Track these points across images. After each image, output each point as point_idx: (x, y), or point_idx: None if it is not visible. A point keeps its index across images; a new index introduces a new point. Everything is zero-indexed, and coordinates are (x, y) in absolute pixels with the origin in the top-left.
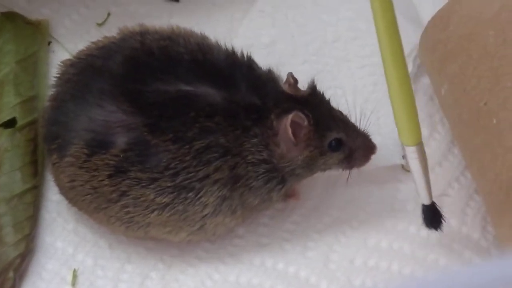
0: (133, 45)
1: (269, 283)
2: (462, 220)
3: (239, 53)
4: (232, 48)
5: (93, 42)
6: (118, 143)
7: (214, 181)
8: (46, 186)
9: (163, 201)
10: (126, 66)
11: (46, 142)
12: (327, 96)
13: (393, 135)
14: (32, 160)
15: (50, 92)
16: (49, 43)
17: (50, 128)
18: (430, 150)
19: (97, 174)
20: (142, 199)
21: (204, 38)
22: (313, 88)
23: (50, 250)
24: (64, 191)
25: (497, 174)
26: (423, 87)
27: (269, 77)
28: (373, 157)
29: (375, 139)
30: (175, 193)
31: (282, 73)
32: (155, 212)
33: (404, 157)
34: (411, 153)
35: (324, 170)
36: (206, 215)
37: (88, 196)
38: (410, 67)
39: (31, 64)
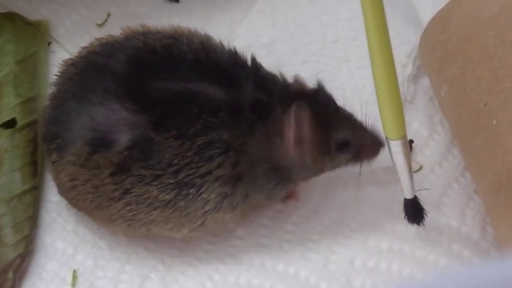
0: (136, 44)
1: (269, 284)
2: (462, 221)
3: (243, 53)
4: (235, 48)
5: (96, 39)
6: (121, 141)
7: (216, 177)
8: (46, 187)
9: (165, 197)
10: (129, 65)
11: (45, 141)
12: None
13: None
14: (31, 160)
15: (51, 90)
16: (49, 43)
17: (50, 127)
18: (430, 150)
19: (98, 172)
20: (145, 196)
21: (208, 38)
22: (319, 87)
23: (50, 250)
24: (64, 190)
25: (497, 174)
26: (423, 88)
27: (275, 77)
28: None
29: None
30: (177, 190)
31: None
32: (158, 210)
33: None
34: (395, 146)
35: (333, 169)
36: (207, 211)
37: (90, 195)
38: (409, 69)
39: (31, 65)
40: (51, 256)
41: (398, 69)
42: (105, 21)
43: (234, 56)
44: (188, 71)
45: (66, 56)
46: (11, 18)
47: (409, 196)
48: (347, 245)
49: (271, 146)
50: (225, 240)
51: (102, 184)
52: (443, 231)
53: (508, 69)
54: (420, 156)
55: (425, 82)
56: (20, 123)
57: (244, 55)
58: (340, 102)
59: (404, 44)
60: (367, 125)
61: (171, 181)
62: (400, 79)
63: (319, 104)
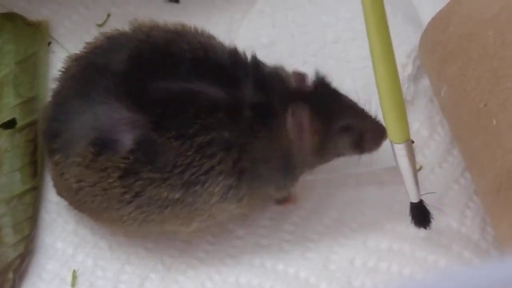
0: (139, 37)
1: (269, 284)
2: (462, 221)
3: (243, 52)
4: (236, 47)
5: (102, 33)
6: (126, 142)
7: (219, 172)
8: (46, 187)
9: (175, 197)
10: (130, 63)
11: (46, 138)
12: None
13: None
14: (31, 160)
15: (54, 86)
16: (49, 43)
17: (52, 124)
18: (430, 151)
19: (106, 175)
20: (156, 198)
21: (209, 37)
22: (319, 78)
23: (50, 251)
24: (68, 192)
25: (497, 175)
26: (422, 88)
27: (275, 74)
28: (374, 155)
29: None
30: (185, 189)
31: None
32: (169, 208)
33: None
34: (400, 150)
35: (337, 156)
36: (214, 203)
37: (98, 197)
38: (409, 69)
39: (31, 65)
40: (51, 256)
41: (398, 69)
42: (105, 21)
43: (234, 55)
44: (188, 71)
45: (66, 56)
46: (11, 18)
47: (414, 200)
48: (347, 245)
49: (273, 145)
50: (225, 241)
51: (111, 187)
52: (443, 232)
53: (508, 69)
54: (420, 156)
55: (425, 82)
56: (20, 123)
57: (245, 54)
58: None
59: (404, 44)
60: (370, 114)
61: (178, 182)
62: (400, 79)
63: (319, 98)
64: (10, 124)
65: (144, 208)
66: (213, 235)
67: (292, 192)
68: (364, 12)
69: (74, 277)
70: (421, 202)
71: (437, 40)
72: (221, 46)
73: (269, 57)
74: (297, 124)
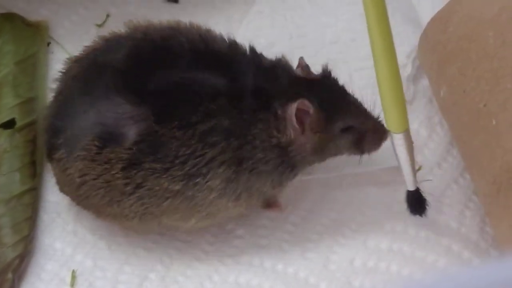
0: (137, 36)
1: (268, 284)
2: (461, 221)
3: (242, 44)
4: (235, 39)
5: (99, 36)
6: (130, 135)
7: (219, 163)
8: (45, 187)
9: (175, 188)
10: (130, 57)
11: (49, 135)
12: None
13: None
14: (31, 161)
15: (55, 86)
16: (48, 44)
17: (55, 121)
18: (429, 151)
19: (109, 167)
20: (156, 189)
21: (207, 30)
22: (326, 72)
23: (49, 251)
24: (71, 187)
25: (496, 175)
26: (422, 88)
27: (278, 64)
28: (374, 155)
29: None
30: (185, 180)
31: None
32: (168, 200)
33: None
34: (398, 139)
35: (336, 155)
36: (212, 199)
37: (101, 190)
38: (409, 69)
39: (30, 65)
40: (50, 257)
41: None
42: (104, 21)
43: (234, 46)
44: (188, 61)
45: (65, 56)
46: (11, 18)
47: (411, 187)
48: (346, 245)
49: (275, 132)
50: (224, 240)
51: (114, 179)
52: (442, 232)
53: (508, 70)
54: (420, 156)
55: (424, 82)
56: (19, 123)
57: (244, 45)
58: None
59: (404, 44)
60: (373, 114)
61: (179, 173)
62: None
63: (323, 91)
64: (9, 124)
65: (145, 199)
66: (213, 234)
67: (280, 199)
68: (364, 5)
69: (73, 277)
70: (417, 190)
71: (436, 40)
72: (221, 36)
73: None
74: (299, 121)
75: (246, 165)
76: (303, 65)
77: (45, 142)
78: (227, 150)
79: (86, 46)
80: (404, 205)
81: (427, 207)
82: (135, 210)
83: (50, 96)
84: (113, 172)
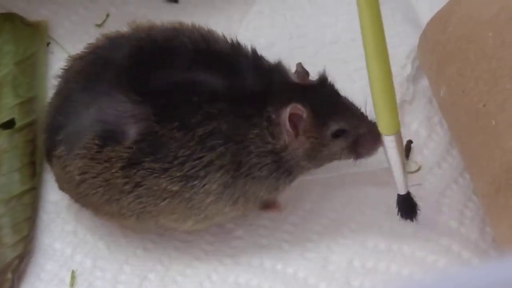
0: (139, 36)
1: (268, 284)
2: (461, 221)
3: (245, 45)
4: (238, 40)
5: (102, 34)
6: (130, 133)
7: (218, 167)
8: (45, 187)
9: (173, 189)
10: (132, 56)
11: (50, 133)
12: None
13: None
14: (30, 161)
15: (56, 83)
16: (48, 44)
17: (56, 117)
18: (429, 151)
19: (109, 165)
20: (155, 188)
21: (210, 31)
22: (322, 78)
23: (48, 251)
24: (71, 185)
25: (496, 175)
26: (421, 89)
27: (276, 68)
28: (372, 156)
29: None
30: (183, 182)
31: None
32: (166, 200)
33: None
34: (389, 142)
35: (331, 160)
36: (209, 203)
37: (100, 188)
38: (408, 69)
39: (29, 65)
40: (50, 257)
41: (397, 69)
42: (104, 21)
43: (236, 48)
44: (190, 62)
45: (65, 56)
46: (10, 18)
47: (402, 191)
48: (346, 245)
49: (269, 138)
50: (224, 241)
51: (113, 177)
52: (442, 232)
53: (506, 70)
54: (419, 156)
55: (424, 82)
56: (19, 123)
57: (246, 47)
58: None
59: (403, 44)
60: (368, 118)
61: (178, 174)
62: (399, 79)
63: (318, 96)
64: (9, 125)
65: (143, 199)
66: (212, 234)
67: (279, 199)
68: (357, 5)
69: (73, 277)
70: (408, 194)
71: (436, 40)
72: (223, 37)
73: (268, 58)
74: (293, 126)
75: (244, 170)
76: (300, 71)
77: (45, 139)
78: (226, 155)
79: (88, 44)
80: None
81: (418, 211)
82: (132, 208)
83: (50, 95)
84: (112, 170)
